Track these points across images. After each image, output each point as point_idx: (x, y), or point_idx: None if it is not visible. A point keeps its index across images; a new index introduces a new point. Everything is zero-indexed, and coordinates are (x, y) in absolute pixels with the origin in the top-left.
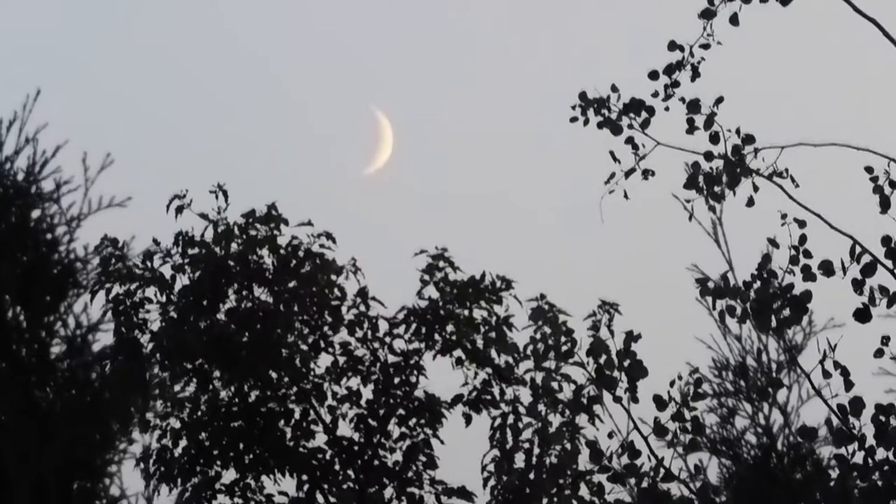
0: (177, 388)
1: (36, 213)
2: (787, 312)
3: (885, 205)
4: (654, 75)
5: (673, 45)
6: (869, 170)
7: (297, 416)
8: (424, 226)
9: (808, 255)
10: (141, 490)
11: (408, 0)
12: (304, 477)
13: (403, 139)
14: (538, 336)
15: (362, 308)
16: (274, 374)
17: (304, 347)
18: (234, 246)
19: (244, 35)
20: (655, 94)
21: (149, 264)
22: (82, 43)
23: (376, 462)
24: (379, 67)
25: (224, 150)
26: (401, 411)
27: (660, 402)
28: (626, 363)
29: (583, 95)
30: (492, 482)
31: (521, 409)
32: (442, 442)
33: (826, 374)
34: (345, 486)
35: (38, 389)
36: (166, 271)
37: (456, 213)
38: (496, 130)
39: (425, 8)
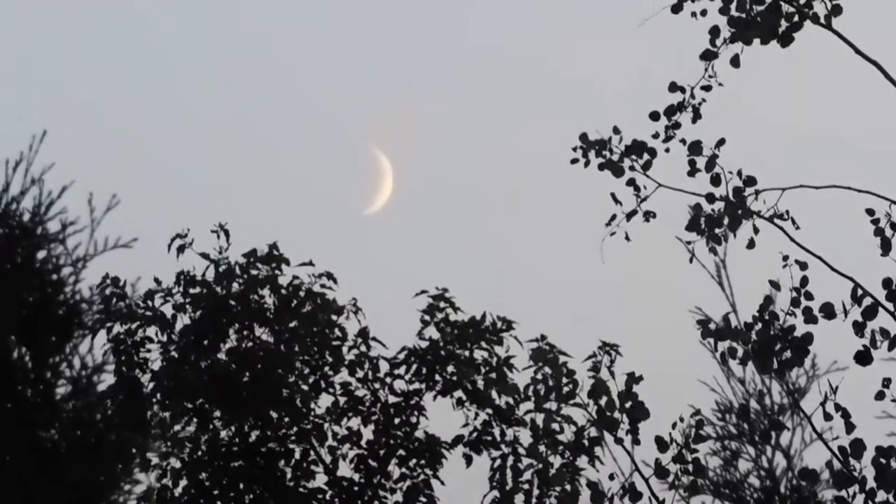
0: (177, 427)
1: (41, 254)
2: (788, 354)
3: (886, 247)
4: (654, 116)
5: (674, 87)
6: (870, 212)
7: (297, 456)
8: (425, 266)
9: (809, 297)
10: None
11: (406, 37)
12: None
13: (404, 179)
14: (539, 377)
15: (363, 348)
16: (274, 414)
17: (305, 387)
18: (235, 285)
19: (245, 76)
20: (656, 136)
21: (150, 303)
22: (87, 82)
23: (376, 503)
24: (379, 106)
25: (225, 191)
26: (401, 452)
27: (661, 444)
28: (627, 405)
29: (583, 137)
30: None
31: (522, 450)
32: (442, 483)
33: (827, 417)
34: None
35: (43, 430)
36: (167, 310)
37: (456, 253)
38: (497, 167)
39: (420, 45)
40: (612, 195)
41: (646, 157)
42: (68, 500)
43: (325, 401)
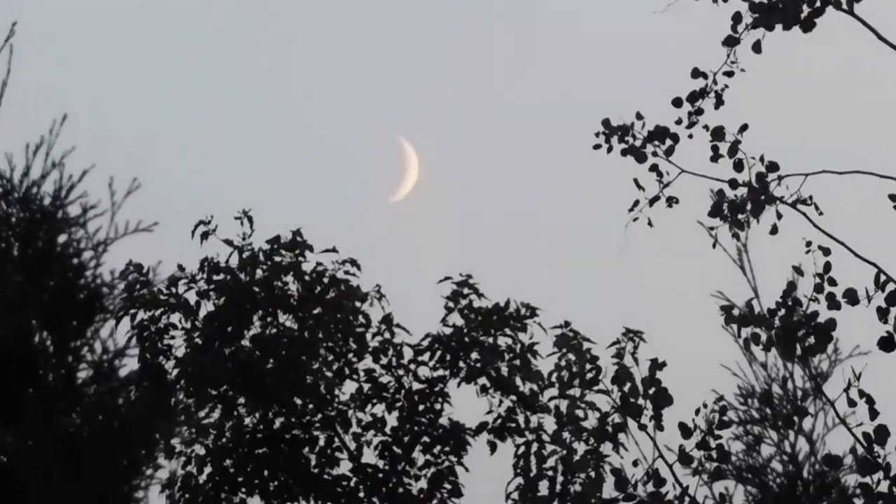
0: (201, 414)
1: (62, 238)
2: (811, 340)
3: None
4: (677, 102)
5: (696, 73)
6: (893, 198)
7: (321, 443)
8: (450, 253)
9: (832, 283)
10: None
11: (430, 26)
12: None
13: (429, 166)
14: (563, 363)
15: (387, 335)
16: (299, 401)
17: (329, 374)
18: (259, 272)
19: (269, 63)
20: (679, 122)
21: (174, 290)
22: (108, 67)
23: (401, 489)
24: (404, 94)
25: (250, 177)
26: (425, 439)
27: (685, 430)
28: (651, 391)
29: (606, 122)
30: None
31: (546, 437)
32: (467, 469)
33: (851, 403)
34: None
35: (65, 415)
36: (191, 297)
37: (481, 240)
38: (522, 154)
39: (448, 33)
40: (635, 181)
41: (668, 142)
42: (90, 485)
43: (349, 387)
